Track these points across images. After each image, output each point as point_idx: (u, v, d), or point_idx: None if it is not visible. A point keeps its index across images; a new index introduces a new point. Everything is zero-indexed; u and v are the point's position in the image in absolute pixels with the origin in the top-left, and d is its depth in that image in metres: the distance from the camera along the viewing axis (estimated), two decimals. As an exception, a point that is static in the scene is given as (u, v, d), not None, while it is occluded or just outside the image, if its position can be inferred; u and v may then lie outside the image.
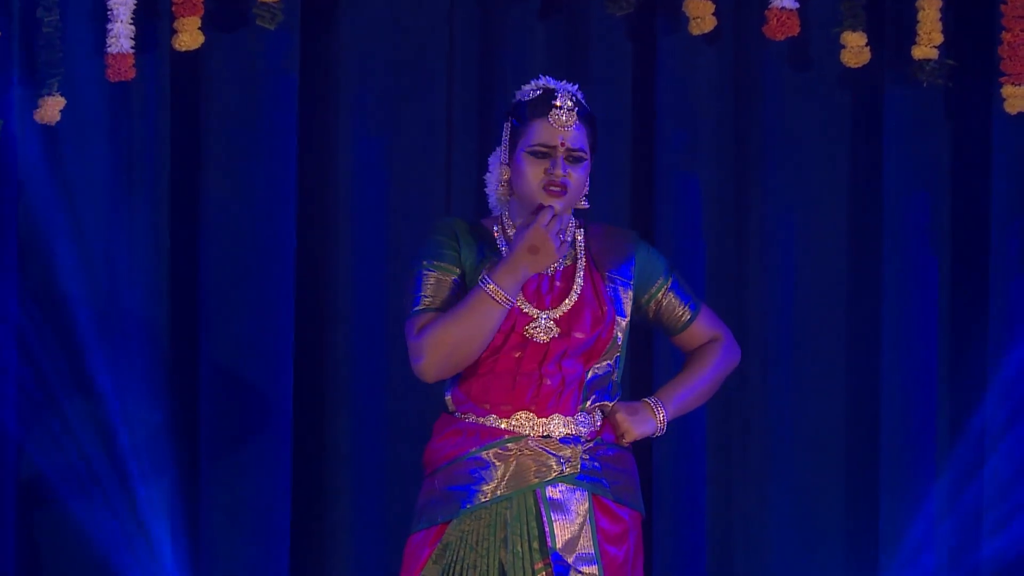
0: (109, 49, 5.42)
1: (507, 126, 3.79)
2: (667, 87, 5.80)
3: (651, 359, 5.78)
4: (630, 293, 3.78)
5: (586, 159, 3.73)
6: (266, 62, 5.59)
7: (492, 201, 3.87)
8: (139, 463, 5.53)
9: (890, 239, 5.85)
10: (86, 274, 5.50)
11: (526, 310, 3.69)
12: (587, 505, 3.65)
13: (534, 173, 3.70)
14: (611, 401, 3.77)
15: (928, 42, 5.73)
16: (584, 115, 3.74)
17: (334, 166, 5.72)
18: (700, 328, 3.89)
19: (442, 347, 3.62)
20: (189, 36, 5.46)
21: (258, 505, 5.58)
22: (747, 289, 5.89)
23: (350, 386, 5.69)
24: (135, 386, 5.53)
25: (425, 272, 3.73)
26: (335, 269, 5.72)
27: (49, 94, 5.38)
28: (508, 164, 3.77)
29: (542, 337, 3.67)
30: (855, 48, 5.74)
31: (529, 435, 3.67)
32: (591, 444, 3.71)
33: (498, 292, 3.60)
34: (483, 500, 3.62)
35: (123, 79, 5.43)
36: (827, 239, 5.92)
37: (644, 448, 5.74)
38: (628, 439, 3.77)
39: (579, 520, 3.64)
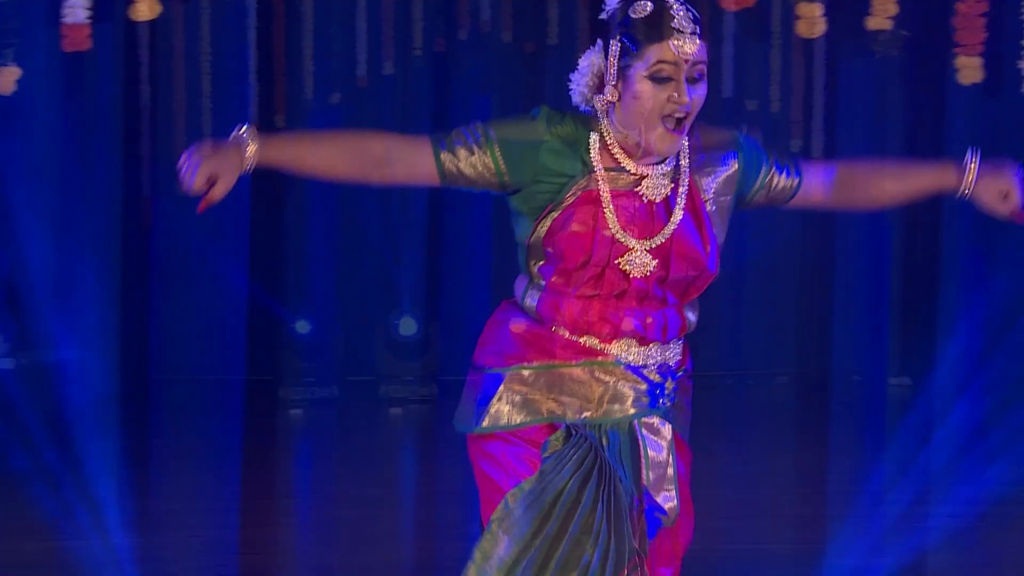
0: (65, 19, 5.46)
1: (614, 44, 3.26)
2: (622, 57, 5.80)
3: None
4: (729, 199, 3.38)
5: (705, 73, 3.29)
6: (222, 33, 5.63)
7: (577, 100, 3.35)
8: (88, 414, 5.61)
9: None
10: (41, 240, 5.57)
11: (621, 239, 3.32)
12: (670, 439, 3.38)
13: (656, 101, 3.24)
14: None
15: (882, 13, 5.74)
16: (701, 28, 3.26)
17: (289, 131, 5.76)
18: (815, 176, 3.44)
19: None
20: (146, 6, 5.50)
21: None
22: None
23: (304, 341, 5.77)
24: (87, 340, 5.60)
25: (481, 137, 3.24)
26: (292, 232, 5.78)
27: (4, 64, 5.42)
28: (615, 85, 3.27)
29: (638, 272, 3.30)
30: (810, 19, 5.74)
31: (628, 363, 3.36)
32: (680, 374, 3.43)
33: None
34: (583, 417, 3.32)
35: (79, 49, 5.48)
36: (781, 217, 5.94)
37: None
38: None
39: (665, 455, 3.37)
